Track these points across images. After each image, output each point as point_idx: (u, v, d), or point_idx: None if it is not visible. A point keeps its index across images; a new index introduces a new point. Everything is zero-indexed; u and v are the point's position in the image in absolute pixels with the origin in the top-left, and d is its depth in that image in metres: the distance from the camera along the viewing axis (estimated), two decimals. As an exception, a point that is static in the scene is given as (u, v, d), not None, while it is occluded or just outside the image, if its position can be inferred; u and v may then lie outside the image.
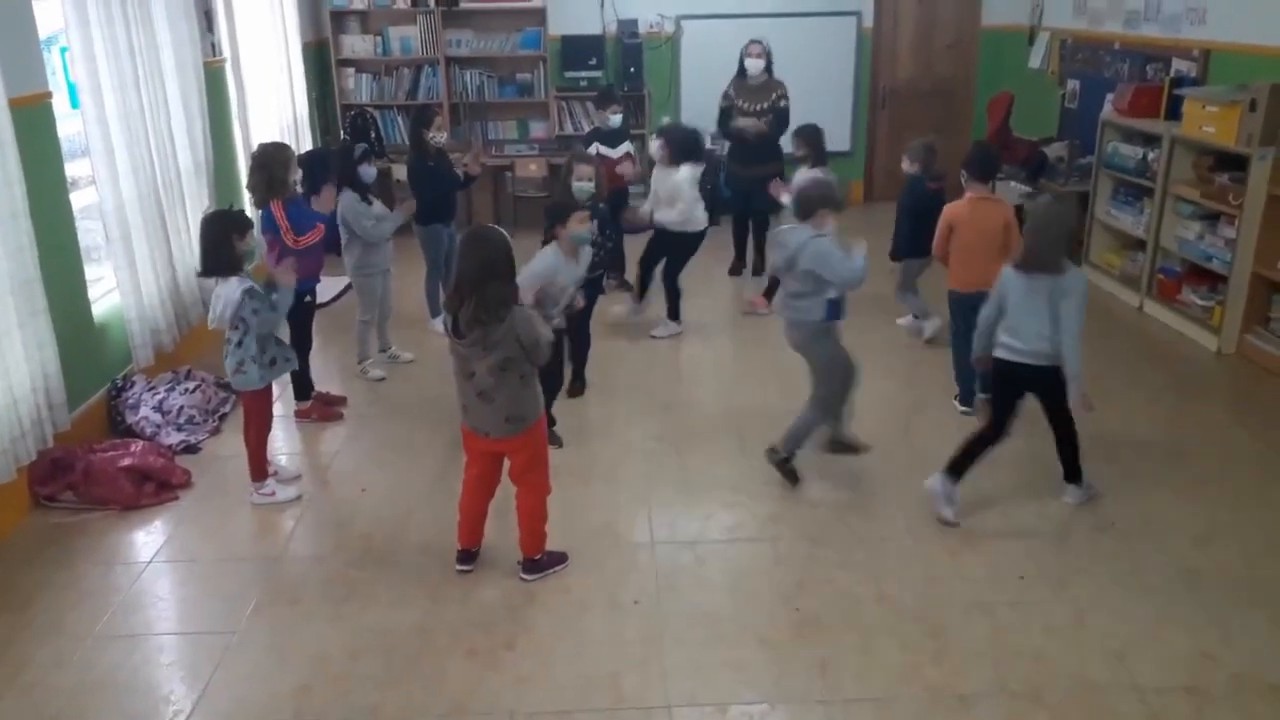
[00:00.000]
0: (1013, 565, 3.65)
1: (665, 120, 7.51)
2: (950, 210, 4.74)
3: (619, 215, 6.08)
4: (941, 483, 3.92)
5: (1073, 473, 4.06)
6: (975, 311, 4.07)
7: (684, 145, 5.84)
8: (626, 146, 6.67)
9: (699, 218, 5.88)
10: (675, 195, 5.77)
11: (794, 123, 6.43)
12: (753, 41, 6.84)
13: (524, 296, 3.78)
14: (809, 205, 4.01)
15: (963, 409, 4.85)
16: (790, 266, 3.99)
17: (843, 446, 4.36)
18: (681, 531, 3.94)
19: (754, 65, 6.76)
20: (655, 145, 6.02)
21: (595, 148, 6.64)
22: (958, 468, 3.91)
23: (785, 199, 5.74)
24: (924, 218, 5.18)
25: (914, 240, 5.53)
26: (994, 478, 4.26)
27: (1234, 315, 5.54)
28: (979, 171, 4.71)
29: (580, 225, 4.30)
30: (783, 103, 6.75)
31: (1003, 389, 3.92)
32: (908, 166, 5.67)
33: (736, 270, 7.25)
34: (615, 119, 6.66)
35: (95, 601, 3.54)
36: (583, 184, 4.84)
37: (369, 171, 5.26)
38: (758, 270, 7.07)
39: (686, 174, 5.79)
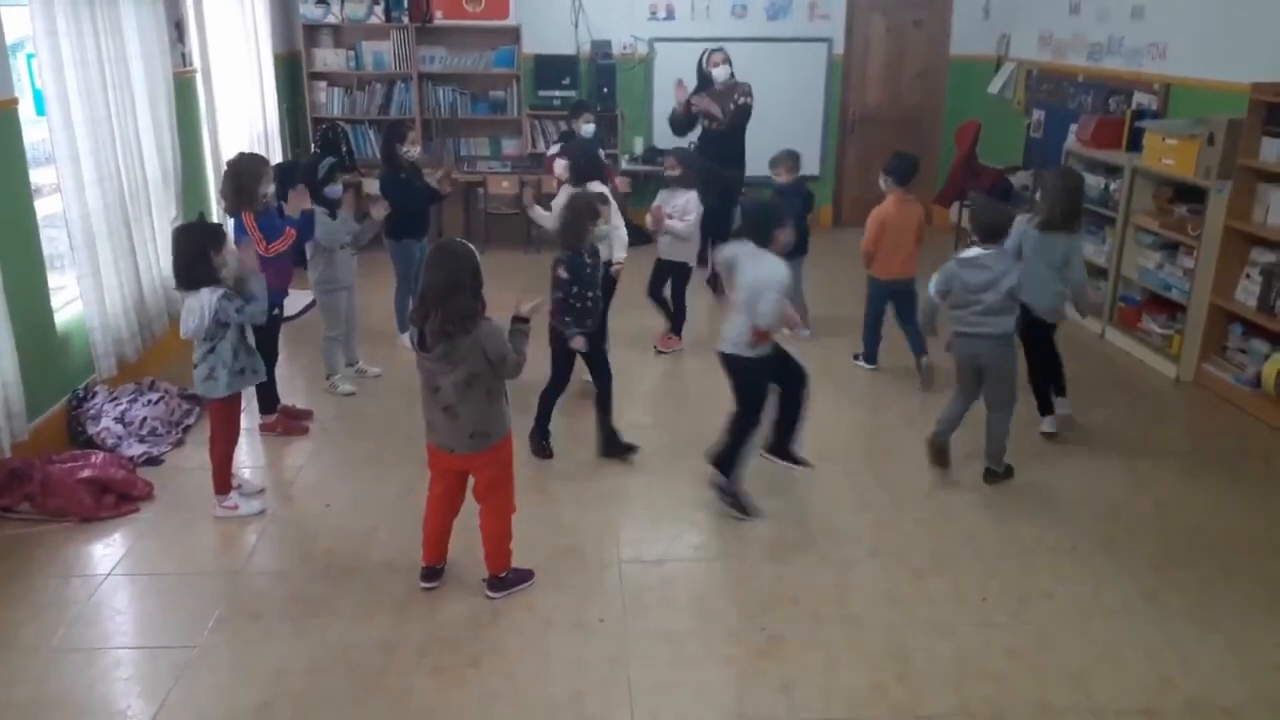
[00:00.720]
0: (975, 587, 3.69)
1: (638, 141, 7.59)
2: (878, 212, 5.50)
3: None
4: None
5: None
6: (896, 295, 5.55)
7: (589, 167, 5.62)
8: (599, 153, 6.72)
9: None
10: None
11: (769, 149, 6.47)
12: (713, 50, 6.91)
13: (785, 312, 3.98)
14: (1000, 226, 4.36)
15: (867, 366, 5.81)
16: (989, 288, 4.22)
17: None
18: (648, 550, 3.94)
19: (721, 73, 6.83)
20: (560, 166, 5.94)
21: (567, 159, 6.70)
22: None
23: (670, 225, 5.77)
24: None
25: None
26: (958, 500, 4.32)
27: (1192, 343, 5.65)
28: (901, 177, 5.50)
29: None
30: (743, 99, 6.81)
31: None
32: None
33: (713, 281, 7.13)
34: (588, 128, 6.73)
35: (51, 615, 3.48)
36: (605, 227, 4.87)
37: (334, 190, 5.23)
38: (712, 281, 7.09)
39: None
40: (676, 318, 6.13)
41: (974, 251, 4.31)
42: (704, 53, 7.00)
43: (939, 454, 4.52)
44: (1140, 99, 6.63)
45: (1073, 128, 7.11)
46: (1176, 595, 3.65)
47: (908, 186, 5.52)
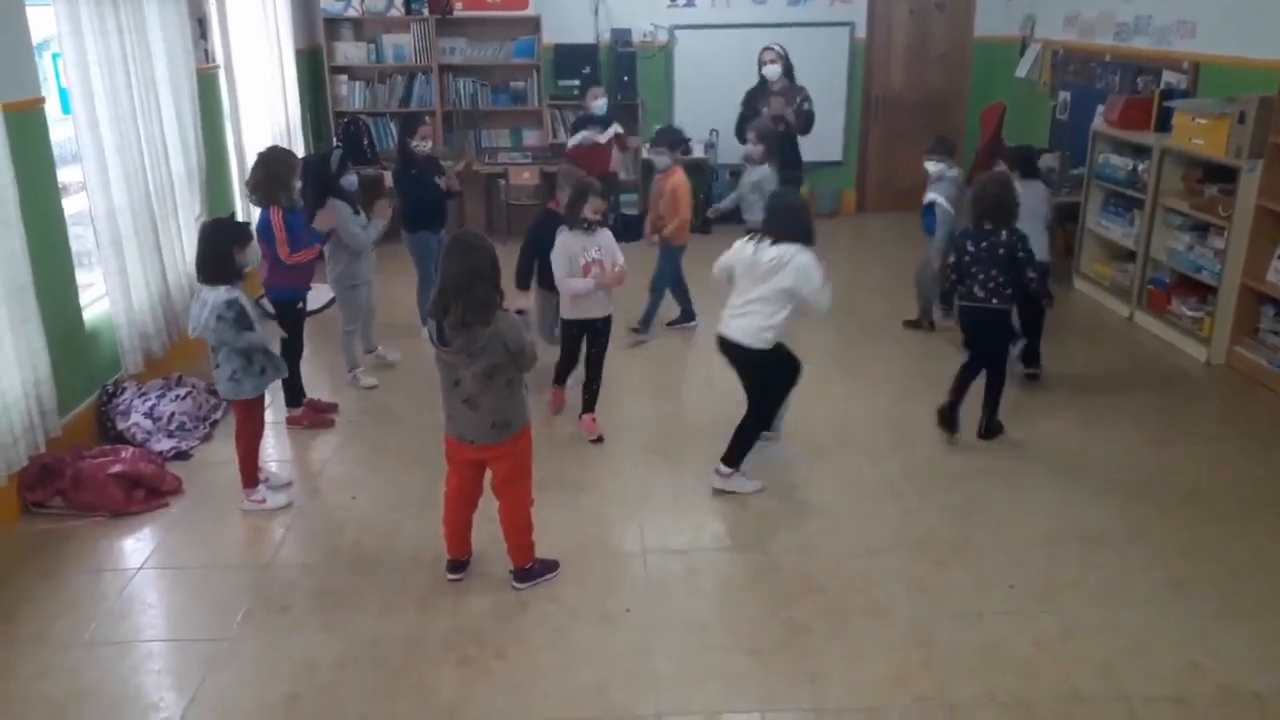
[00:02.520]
0: (1001, 575, 3.66)
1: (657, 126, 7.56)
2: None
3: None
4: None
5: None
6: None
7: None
8: (614, 129, 6.74)
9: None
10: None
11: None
12: (766, 48, 6.83)
13: None
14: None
15: None
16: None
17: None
18: (672, 540, 3.94)
19: (771, 71, 6.74)
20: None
21: (582, 135, 6.74)
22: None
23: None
24: None
25: None
26: (984, 488, 4.28)
27: (1223, 326, 5.57)
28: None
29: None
30: (806, 105, 6.74)
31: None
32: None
33: None
34: (598, 104, 6.73)
35: (83, 609, 3.53)
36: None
37: (350, 180, 5.24)
38: None
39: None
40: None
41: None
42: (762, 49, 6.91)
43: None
44: (1169, 78, 6.52)
45: (1100, 108, 7.01)
46: (1206, 582, 3.60)
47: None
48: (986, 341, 4.62)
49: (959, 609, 3.47)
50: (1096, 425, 4.90)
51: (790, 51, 6.83)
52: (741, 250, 4.12)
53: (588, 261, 4.54)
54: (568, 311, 4.74)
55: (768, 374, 4.19)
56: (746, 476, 4.25)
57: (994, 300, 4.50)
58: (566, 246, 4.55)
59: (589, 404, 4.84)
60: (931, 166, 5.89)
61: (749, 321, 4.07)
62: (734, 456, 4.22)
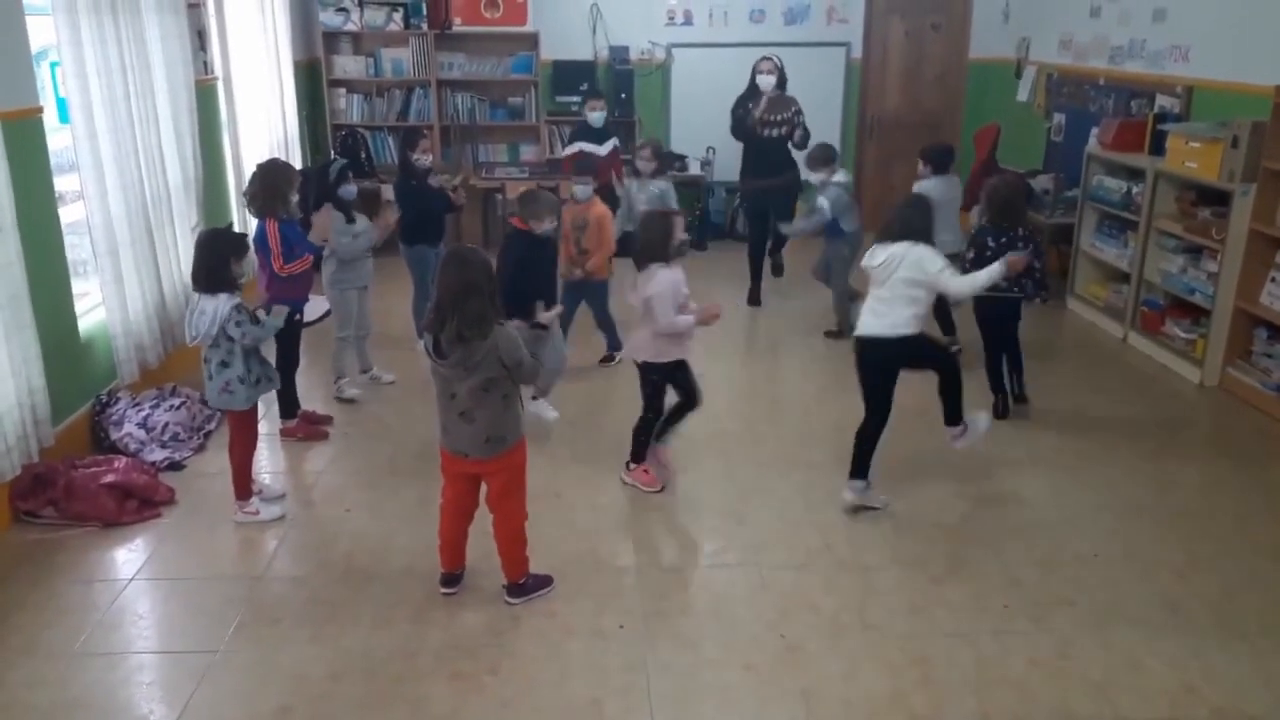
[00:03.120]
0: (996, 594, 3.66)
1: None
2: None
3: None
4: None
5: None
6: None
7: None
8: (613, 143, 6.75)
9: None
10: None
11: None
12: (764, 58, 6.86)
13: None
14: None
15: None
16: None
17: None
18: (667, 557, 3.93)
19: (765, 81, 6.76)
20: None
21: (579, 146, 6.75)
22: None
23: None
24: None
25: None
26: (978, 507, 4.28)
27: (1216, 348, 5.60)
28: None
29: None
30: (800, 117, 6.79)
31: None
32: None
33: (755, 299, 7.08)
34: (595, 115, 6.74)
35: (73, 619, 3.50)
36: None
37: (349, 190, 5.26)
38: (778, 270, 7.35)
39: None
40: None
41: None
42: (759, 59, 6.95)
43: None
44: (1163, 102, 6.57)
45: (1094, 131, 7.06)
46: (1200, 603, 3.61)
47: None
48: (1004, 327, 5.11)
49: (953, 627, 3.46)
50: (1090, 445, 4.91)
51: (787, 70, 6.86)
52: (871, 257, 4.23)
53: (687, 295, 4.21)
54: (666, 354, 4.24)
55: (926, 361, 4.28)
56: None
57: (1015, 289, 4.88)
58: (674, 283, 4.13)
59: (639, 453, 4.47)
60: (813, 177, 6.17)
61: (889, 318, 4.09)
62: (862, 467, 4.20)
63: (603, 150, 6.84)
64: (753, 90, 6.84)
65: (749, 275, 7.10)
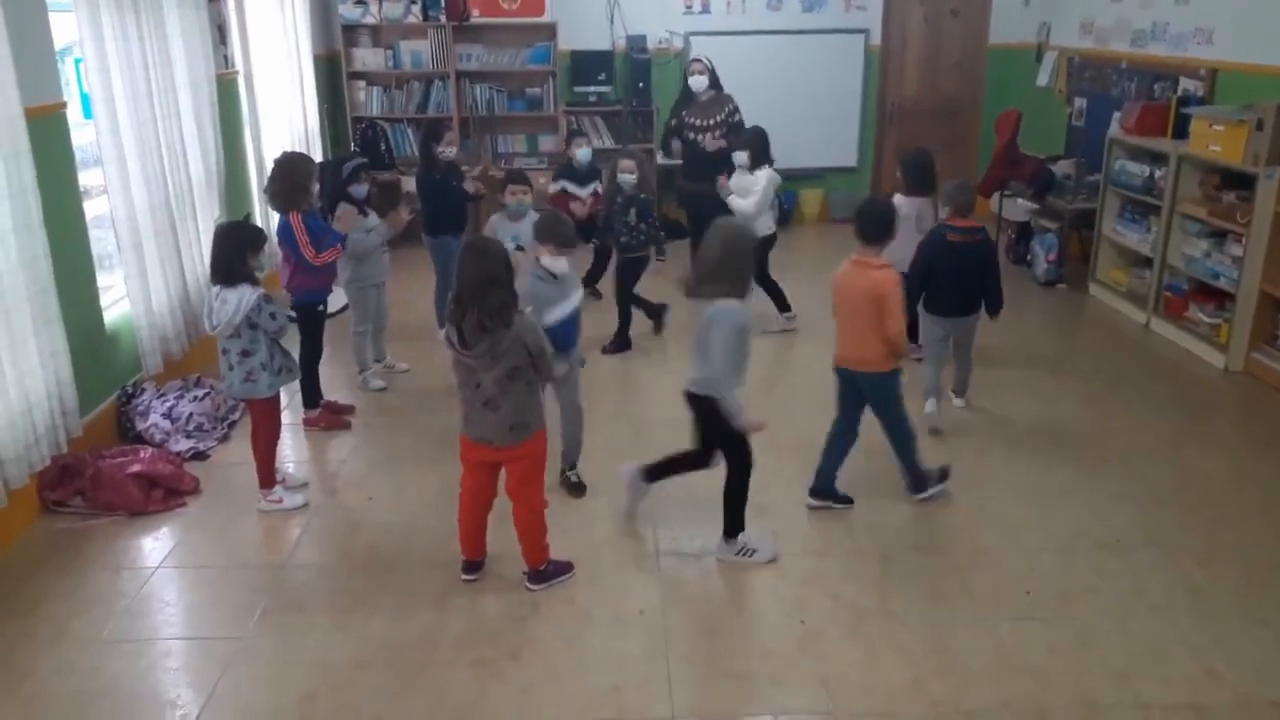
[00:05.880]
0: (1017, 581, 3.65)
1: None
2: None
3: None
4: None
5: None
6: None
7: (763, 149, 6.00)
8: (594, 186, 6.58)
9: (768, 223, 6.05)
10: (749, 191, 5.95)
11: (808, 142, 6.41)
12: (694, 59, 6.75)
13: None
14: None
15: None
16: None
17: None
18: (687, 543, 3.94)
19: (698, 82, 6.59)
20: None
21: (562, 184, 6.59)
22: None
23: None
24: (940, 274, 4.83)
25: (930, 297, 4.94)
26: (998, 493, 4.27)
27: (1241, 332, 5.54)
28: (872, 234, 3.96)
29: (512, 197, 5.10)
30: (736, 116, 6.61)
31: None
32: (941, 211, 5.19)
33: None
34: (583, 153, 6.57)
35: (101, 607, 3.56)
36: (627, 176, 5.69)
37: (360, 190, 5.28)
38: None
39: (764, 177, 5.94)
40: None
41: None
42: (690, 60, 6.85)
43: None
44: (1186, 85, 6.50)
45: (1116, 115, 6.99)
46: (1223, 590, 3.59)
47: (874, 246, 3.96)
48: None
49: (974, 615, 3.46)
50: (1113, 431, 4.88)
51: (804, 58, 6.79)
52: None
53: None
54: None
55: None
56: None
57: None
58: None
59: None
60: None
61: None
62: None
63: (583, 193, 6.67)
64: (688, 95, 6.70)
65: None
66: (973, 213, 4.88)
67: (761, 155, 5.95)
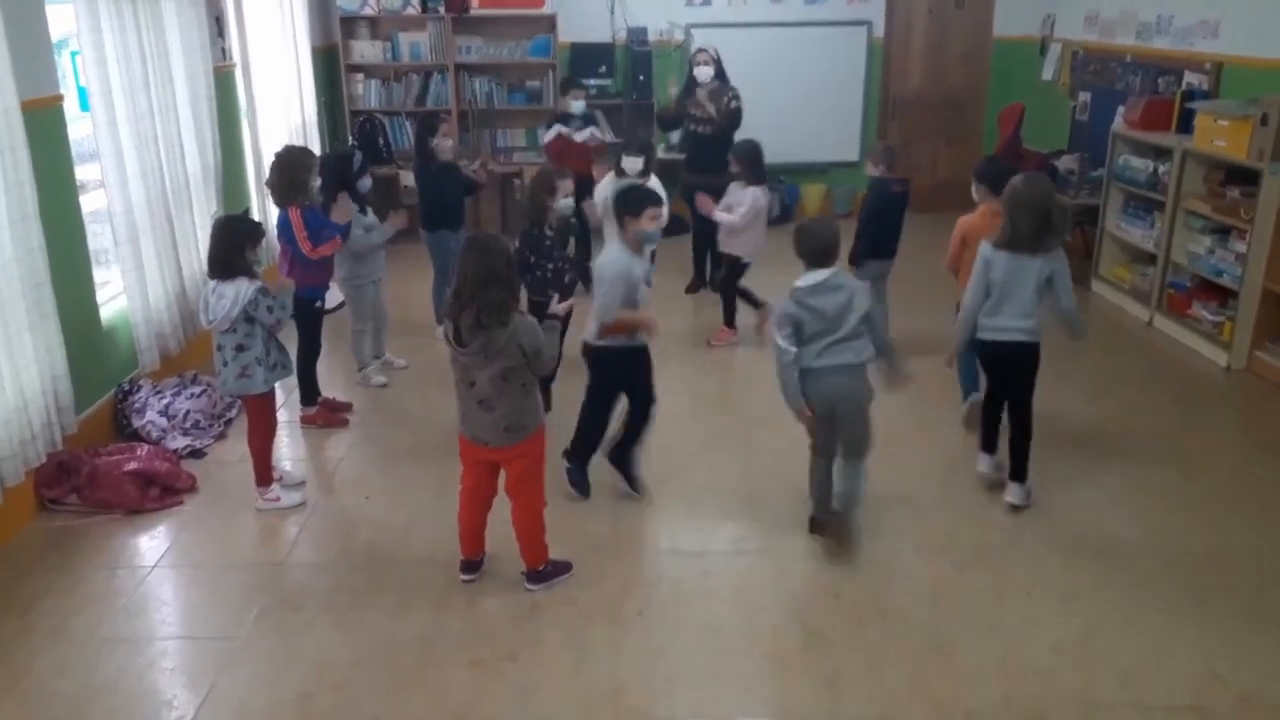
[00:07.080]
0: (1020, 582, 3.63)
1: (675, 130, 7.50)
2: (964, 223, 4.64)
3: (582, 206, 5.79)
4: (985, 461, 4.33)
5: (1020, 470, 4.12)
6: None
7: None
8: (591, 131, 6.67)
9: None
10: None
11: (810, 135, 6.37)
12: (699, 49, 6.74)
13: (612, 304, 3.88)
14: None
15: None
16: (849, 309, 3.67)
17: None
18: (686, 543, 3.92)
19: (703, 73, 6.61)
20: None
21: (557, 129, 6.66)
22: (990, 443, 4.31)
23: (719, 216, 5.76)
24: (888, 220, 5.51)
25: (877, 242, 5.50)
26: (1002, 494, 4.24)
27: (1244, 330, 5.51)
28: (993, 185, 4.40)
29: (651, 223, 4.02)
30: (734, 104, 6.59)
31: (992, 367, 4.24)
32: (872, 169, 5.54)
33: (695, 288, 6.97)
34: (577, 105, 6.63)
35: (98, 606, 3.54)
36: (566, 200, 4.89)
37: (365, 183, 5.25)
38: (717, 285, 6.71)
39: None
40: (727, 310, 6.07)
41: (816, 276, 3.66)
42: (695, 50, 6.85)
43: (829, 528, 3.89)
44: (1191, 79, 6.46)
45: (1120, 109, 6.95)
46: (1227, 590, 3.56)
47: (1000, 196, 4.17)
48: None
49: (976, 615, 3.44)
50: (1115, 430, 4.85)
51: (807, 50, 6.75)
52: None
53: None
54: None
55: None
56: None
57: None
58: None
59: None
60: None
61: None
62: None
63: (579, 136, 6.71)
64: (691, 86, 6.70)
65: (692, 265, 6.97)
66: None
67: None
